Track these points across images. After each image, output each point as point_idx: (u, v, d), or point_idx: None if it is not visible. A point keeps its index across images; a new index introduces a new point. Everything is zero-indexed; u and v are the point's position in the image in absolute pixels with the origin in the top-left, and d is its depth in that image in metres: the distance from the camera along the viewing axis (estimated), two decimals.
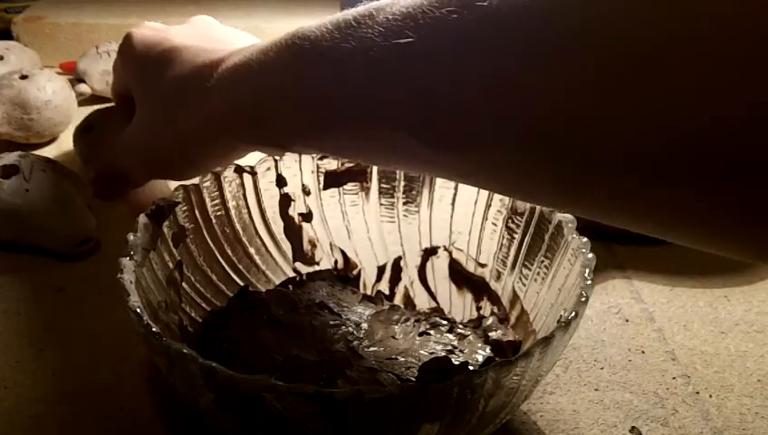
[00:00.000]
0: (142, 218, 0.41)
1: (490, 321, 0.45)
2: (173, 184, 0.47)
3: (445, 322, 0.45)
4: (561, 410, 0.43)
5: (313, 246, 0.49)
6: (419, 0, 0.29)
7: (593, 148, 0.25)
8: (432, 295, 0.49)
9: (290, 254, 0.49)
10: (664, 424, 0.43)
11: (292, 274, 0.49)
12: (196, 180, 0.45)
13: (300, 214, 0.49)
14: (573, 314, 0.35)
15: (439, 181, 0.47)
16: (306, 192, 0.48)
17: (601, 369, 0.47)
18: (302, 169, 0.48)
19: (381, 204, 0.49)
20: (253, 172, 0.46)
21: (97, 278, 0.54)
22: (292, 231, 0.49)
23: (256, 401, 0.32)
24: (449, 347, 0.43)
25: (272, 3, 0.97)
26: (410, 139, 0.30)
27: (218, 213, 0.46)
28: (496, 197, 0.46)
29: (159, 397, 0.43)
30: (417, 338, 0.44)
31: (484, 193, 0.46)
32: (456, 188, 0.47)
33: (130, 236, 0.39)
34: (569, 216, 0.42)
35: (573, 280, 0.39)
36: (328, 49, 0.32)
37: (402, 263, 0.49)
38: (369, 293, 0.49)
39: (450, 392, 0.32)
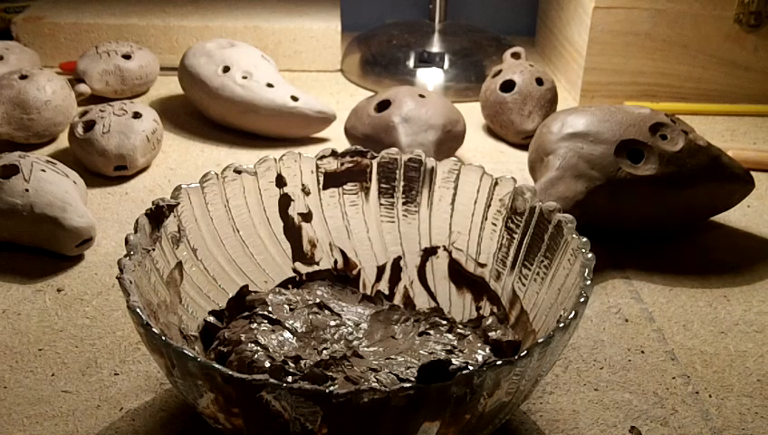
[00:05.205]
0: (142, 219, 0.41)
1: (490, 321, 0.45)
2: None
3: (444, 322, 0.45)
4: (560, 410, 0.43)
5: (313, 245, 0.49)
6: None
7: None
8: (432, 295, 0.49)
9: (290, 254, 0.49)
10: (663, 424, 0.43)
11: (292, 274, 0.49)
12: (196, 180, 0.45)
13: (300, 214, 0.49)
14: (573, 314, 0.35)
15: (439, 181, 0.47)
16: (306, 192, 0.48)
17: (601, 369, 0.47)
18: (301, 169, 0.48)
19: (381, 204, 0.49)
20: (253, 172, 0.47)
21: (97, 278, 0.54)
22: (292, 231, 0.49)
23: (256, 401, 0.32)
24: (449, 347, 0.43)
25: (272, 3, 0.97)
26: None
27: (218, 213, 0.46)
28: (496, 196, 0.46)
29: (159, 397, 0.43)
30: (417, 338, 0.44)
31: (484, 193, 0.46)
32: (455, 189, 0.47)
33: (130, 237, 0.39)
34: (569, 216, 0.42)
35: (573, 280, 0.39)
36: None
37: (402, 263, 0.49)
38: (368, 293, 0.49)
39: (450, 392, 0.32)
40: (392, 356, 0.42)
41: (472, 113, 0.79)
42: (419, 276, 0.49)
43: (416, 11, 1.05)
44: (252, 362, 0.40)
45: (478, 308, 0.47)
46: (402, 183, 0.48)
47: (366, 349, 0.43)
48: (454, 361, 0.41)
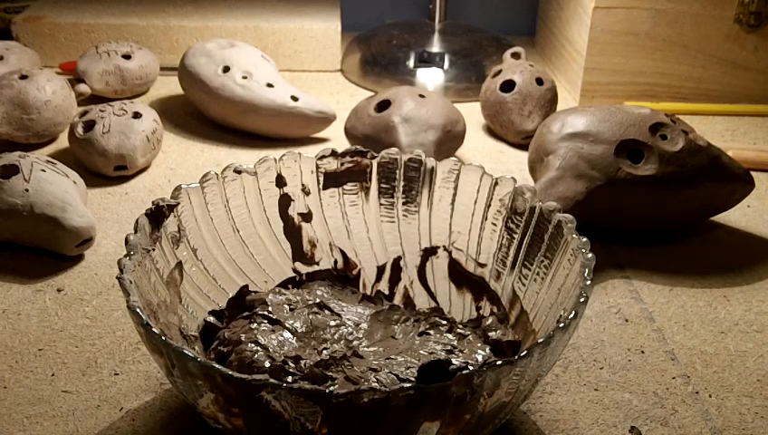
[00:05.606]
0: (142, 219, 0.41)
1: (490, 321, 0.45)
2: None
3: (444, 322, 0.45)
4: (560, 410, 0.43)
5: (313, 245, 0.49)
6: None
7: None
8: (432, 295, 0.49)
9: (290, 254, 0.49)
10: (663, 424, 0.43)
11: (292, 274, 0.49)
12: (196, 180, 0.45)
13: (300, 214, 0.49)
14: (573, 314, 0.35)
15: (439, 181, 0.47)
16: (306, 192, 0.48)
17: (601, 369, 0.47)
18: (301, 169, 0.48)
19: (381, 204, 0.49)
20: (253, 172, 0.46)
21: (97, 278, 0.54)
22: (292, 231, 0.49)
23: (256, 401, 0.32)
24: (449, 347, 0.43)
25: (272, 3, 0.97)
26: None
27: (218, 213, 0.46)
28: (496, 196, 0.46)
29: (159, 397, 0.43)
30: (417, 338, 0.44)
31: (484, 193, 0.46)
32: (455, 189, 0.47)
33: (130, 237, 0.39)
34: (569, 216, 0.42)
35: (573, 280, 0.39)
36: None
37: (402, 263, 0.49)
38: (368, 293, 0.49)
39: (450, 392, 0.32)
40: (392, 356, 0.42)
41: (472, 113, 0.79)
42: (419, 276, 0.49)
43: (416, 11, 1.05)
44: (252, 362, 0.40)
45: (478, 308, 0.47)
46: (402, 183, 0.48)
47: (366, 349, 0.43)
48: (454, 361, 0.41)
